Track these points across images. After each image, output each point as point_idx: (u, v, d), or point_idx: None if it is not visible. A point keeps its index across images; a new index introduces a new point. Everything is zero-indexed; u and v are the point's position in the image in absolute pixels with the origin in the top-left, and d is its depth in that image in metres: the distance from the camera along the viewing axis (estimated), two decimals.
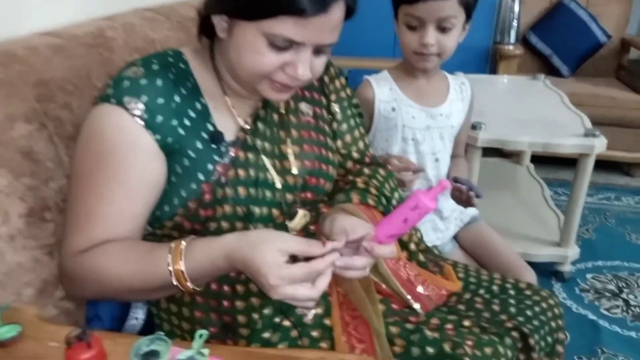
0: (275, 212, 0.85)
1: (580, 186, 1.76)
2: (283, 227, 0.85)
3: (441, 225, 1.32)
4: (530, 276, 1.23)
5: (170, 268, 0.72)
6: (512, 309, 0.90)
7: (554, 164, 2.73)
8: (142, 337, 0.64)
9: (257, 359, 0.64)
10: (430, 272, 0.93)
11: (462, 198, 1.19)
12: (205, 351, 0.63)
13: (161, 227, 0.83)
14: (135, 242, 0.78)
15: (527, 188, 2.35)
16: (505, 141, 1.67)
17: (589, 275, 2.00)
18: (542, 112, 1.93)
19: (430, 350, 0.79)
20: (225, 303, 0.82)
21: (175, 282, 0.72)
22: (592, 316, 1.79)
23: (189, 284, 0.73)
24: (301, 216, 0.87)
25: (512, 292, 0.96)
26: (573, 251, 1.88)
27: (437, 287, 0.90)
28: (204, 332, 0.63)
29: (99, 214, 0.76)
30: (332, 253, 0.71)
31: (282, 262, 0.68)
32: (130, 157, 0.76)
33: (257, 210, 0.83)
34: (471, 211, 1.38)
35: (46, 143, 0.83)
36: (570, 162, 2.19)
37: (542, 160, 2.65)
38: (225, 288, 0.82)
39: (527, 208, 2.16)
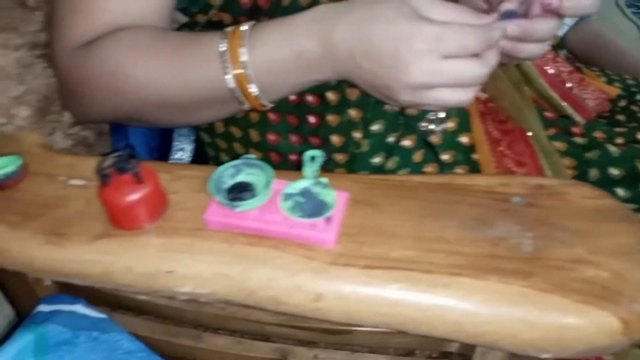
0: None
1: None
2: None
3: None
4: None
5: (228, 64, 0.45)
6: None
7: None
8: (219, 166, 0.39)
9: (403, 191, 0.40)
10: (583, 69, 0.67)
11: None
12: (325, 180, 0.38)
13: (192, 24, 0.55)
14: (163, 30, 0.51)
15: None
16: None
17: None
18: None
19: (614, 171, 0.55)
20: (312, 119, 0.56)
21: (232, 85, 0.46)
22: None
23: (252, 89, 0.46)
24: None
25: None
26: None
27: (597, 89, 0.65)
28: (318, 152, 0.38)
29: None
30: (499, 22, 0.44)
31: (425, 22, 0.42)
32: None
33: None
34: None
35: None
36: None
37: None
38: (309, 98, 0.55)
39: None
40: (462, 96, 0.44)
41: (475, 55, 0.43)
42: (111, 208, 0.37)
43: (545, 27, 0.46)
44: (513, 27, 0.45)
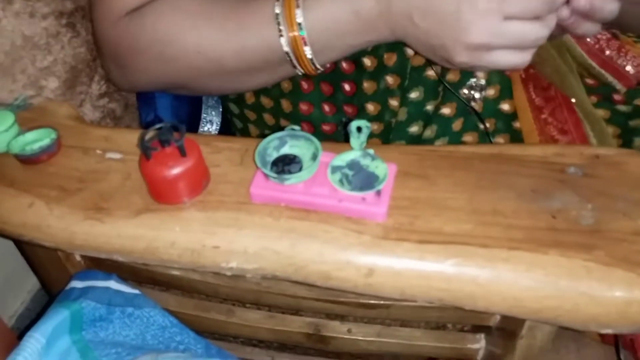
0: None
1: None
2: None
3: None
4: None
5: (283, 27, 0.43)
6: None
7: None
8: (257, 138, 0.38)
9: (455, 162, 0.38)
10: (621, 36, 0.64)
11: None
12: (372, 152, 0.37)
13: None
14: None
15: None
16: None
17: None
18: None
19: None
20: (346, 87, 0.54)
21: (287, 49, 0.44)
22: None
23: (307, 52, 0.45)
24: None
25: None
26: None
27: (637, 55, 0.62)
28: (364, 122, 0.37)
29: None
30: None
31: None
32: None
33: None
34: None
35: None
36: None
37: None
38: (344, 65, 0.54)
39: None
40: (520, 58, 0.43)
41: (536, 17, 0.42)
42: (154, 182, 0.36)
43: (612, 7, 0.44)
44: (584, 2, 0.43)
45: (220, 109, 0.64)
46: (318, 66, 0.47)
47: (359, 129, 0.37)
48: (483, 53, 0.42)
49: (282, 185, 0.36)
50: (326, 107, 0.56)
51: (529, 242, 0.33)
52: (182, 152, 0.35)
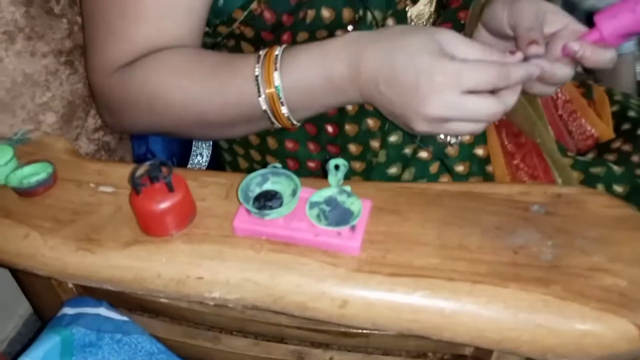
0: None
1: None
2: (402, 16, 0.57)
3: None
4: None
5: (262, 87, 0.46)
6: None
7: None
8: (243, 173, 0.41)
9: (426, 199, 0.41)
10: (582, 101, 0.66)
11: None
12: (349, 189, 0.40)
13: (214, 34, 0.56)
14: (199, 50, 0.52)
15: None
16: None
17: None
18: None
19: (618, 189, 0.56)
20: (330, 128, 0.57)
21: (265, 107, 0.47)
22: None
23: (284, 110, 0.47)
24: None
25: None
26: None
27: (586, 126, 0.64)
28: (342, 161, 0.39)
29: (140, 7, 0.48)
30: (528, 61, 0.45)
31: (447, 58, 0.43)
32: None
33: None
34: None
35: None
36: None
37: None
38: None
39: None
40: (475, 128, 0.45)
41: (494, 91, 0.44)
42: (143, 216, 0.39)
43: (563, 73, 0.47)
44: (534, 68, 0.45)
45: (211, 142, 0.67)
46: (294, 122, 0.49)
47: (336, 167, 0.39)
48: (441, 124, 0.44)
49: (264, 219, 0.38)
50: (311, 146, 0.59)
51: (491, 276, 0.35)
52: (170, 188, 0.38)
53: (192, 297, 0.38)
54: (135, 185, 0.38)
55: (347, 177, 0.59)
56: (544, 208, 0.40)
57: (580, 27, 0.48)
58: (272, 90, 0.46)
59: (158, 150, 0.62)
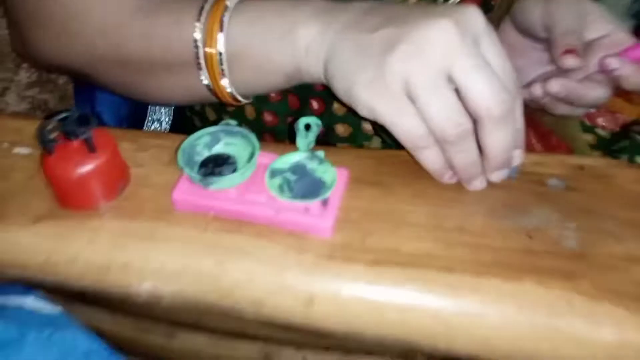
0: None
1: None
2: None
3: None
4: None
5: (198, 40, 0.36)
6: None
7: None
8: (193, 134, 0.32)
9: (417, 169, 0.33)
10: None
11: None
12: (321, 154, 0.31)
13: None
14: None
15: None
16: None
17: None
18: None
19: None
20: (315, 104, 0.48)
21: (204, 81, 0.37)
22: None
23: (225, 84, 0.37)
24: None
25: None
26: None
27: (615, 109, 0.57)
28: (314, 119, 0.31)
29: None
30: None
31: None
32: None
33: None
34: None
35: None
36: None
37: None
38: None
39: None
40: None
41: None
42: (56, 182, 0.30)
43: (595, 95, 0.38)
44: (559, 88, 0.37)
45: (172, 107, 0.57)
46: (240, 99, 0.38)
47: (307, 127, 0.31)
48: (384, 92, 0.32)
49: (211, 190, 0.30)
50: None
51: (499, 266, 0.27)
52: (90, 147, 0.29)
53: (117, 288, 0.30)
54: (45, 143, 0.29)
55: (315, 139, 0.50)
56: (564, 182, 0.32)
57: (626, 38, 0.39)
58: (211, 54, 0.36)
59: (106, 113, 0.52)
